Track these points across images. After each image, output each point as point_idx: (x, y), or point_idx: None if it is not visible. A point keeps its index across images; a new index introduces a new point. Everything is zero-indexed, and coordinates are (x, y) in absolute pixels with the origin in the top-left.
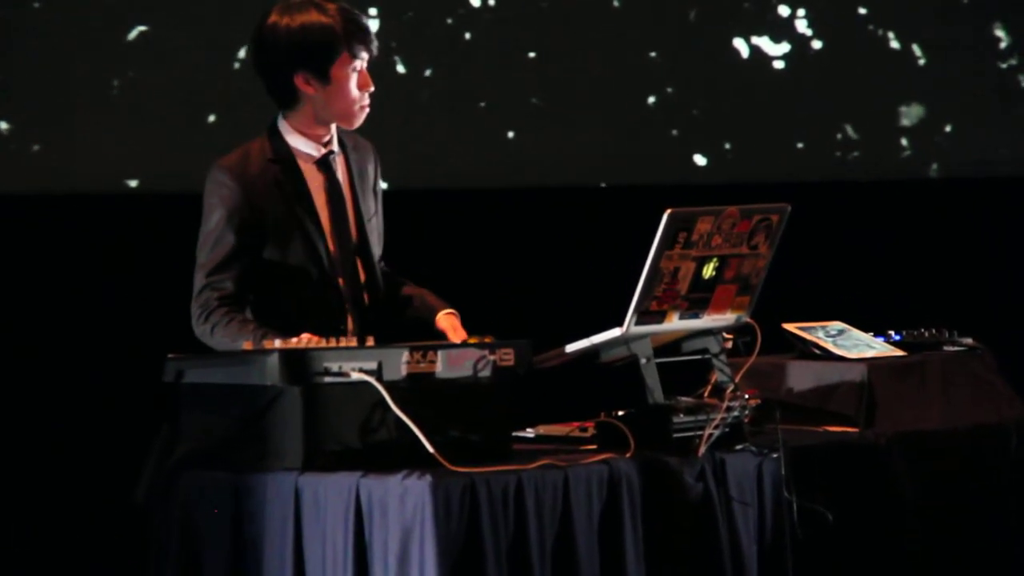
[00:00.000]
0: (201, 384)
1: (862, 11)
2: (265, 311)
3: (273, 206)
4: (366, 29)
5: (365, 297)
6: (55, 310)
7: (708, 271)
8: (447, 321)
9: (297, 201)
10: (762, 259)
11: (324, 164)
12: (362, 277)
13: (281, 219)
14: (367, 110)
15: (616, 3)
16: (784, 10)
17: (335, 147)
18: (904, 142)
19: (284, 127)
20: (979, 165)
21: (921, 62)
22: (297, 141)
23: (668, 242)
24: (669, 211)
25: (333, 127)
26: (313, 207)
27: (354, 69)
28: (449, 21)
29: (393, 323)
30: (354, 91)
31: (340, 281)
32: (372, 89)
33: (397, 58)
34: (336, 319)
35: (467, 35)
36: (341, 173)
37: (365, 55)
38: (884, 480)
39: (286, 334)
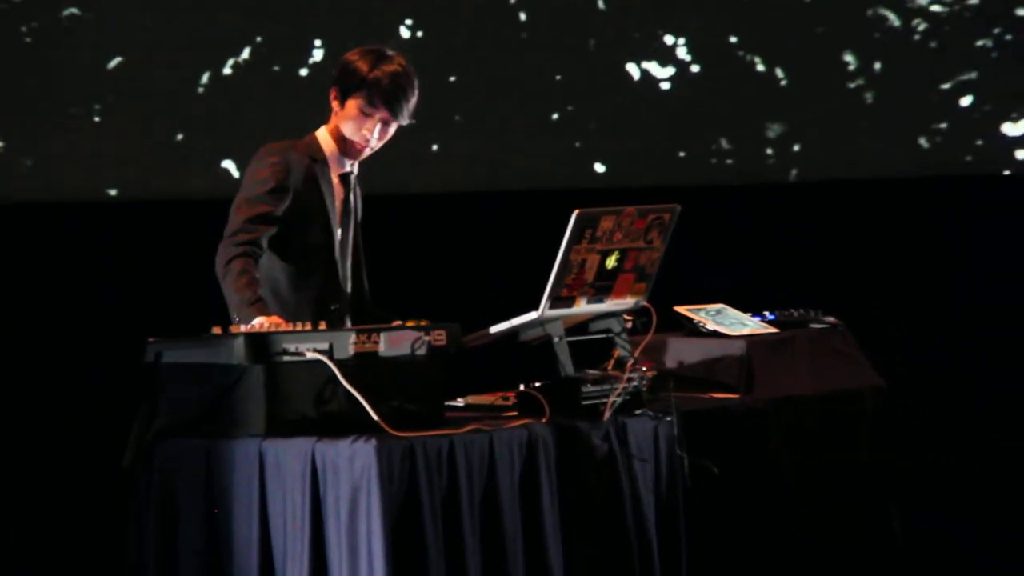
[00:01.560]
0: (177, 364)
1: (733, 40)
2: (284, 284)
3: (306, 194)
4: (393, 97)
5: (354, 299)
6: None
7: (611, 262)
8: None
9: (324, 198)
10: (656, 252)
11: (345, 180)
12: (350, 285)
13: (309, 208)
14: (365, 152)
15: (524, 35)
16: (669, 39)
17: (356, 171)
18: (769, 151)
19: (323, 136)
20: (831, 170)
21: (783, 83)
22: (331, 153)
23: (576, 238)
24: (577, 211)
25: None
26: (334, 208)
27: (366, 113)
28: None
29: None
30: (356, 127)
31: (340, 275)
32: (372, 137)
33: None
34: (334, 303)
35: None
36: (352, 196)
37: (383, 112)
38: (761, 438)
39: (291, 307)
